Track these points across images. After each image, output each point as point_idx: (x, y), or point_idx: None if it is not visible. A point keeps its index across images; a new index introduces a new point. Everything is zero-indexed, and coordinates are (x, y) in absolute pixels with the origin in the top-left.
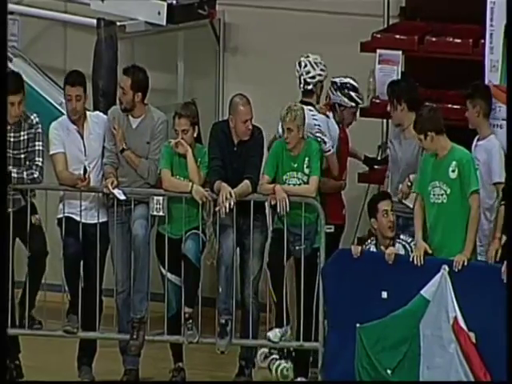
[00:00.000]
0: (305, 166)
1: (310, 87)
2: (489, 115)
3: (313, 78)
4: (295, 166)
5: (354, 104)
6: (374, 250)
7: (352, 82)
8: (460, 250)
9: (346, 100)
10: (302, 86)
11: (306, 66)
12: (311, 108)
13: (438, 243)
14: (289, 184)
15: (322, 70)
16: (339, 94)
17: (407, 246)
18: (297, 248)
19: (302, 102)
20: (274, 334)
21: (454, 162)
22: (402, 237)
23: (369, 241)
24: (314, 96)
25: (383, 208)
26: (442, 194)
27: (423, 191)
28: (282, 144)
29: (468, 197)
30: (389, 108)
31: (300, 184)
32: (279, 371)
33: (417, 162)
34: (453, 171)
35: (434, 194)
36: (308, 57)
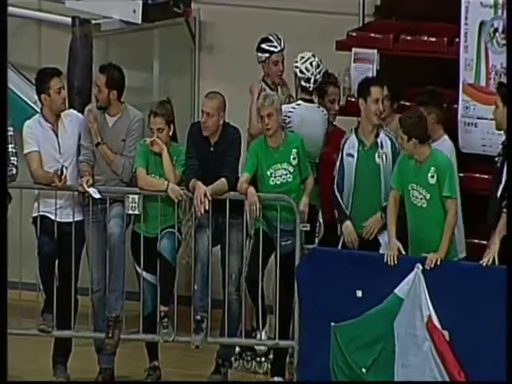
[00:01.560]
0: (291, 157)
1: (309, 87)
2: (442, 121)
3: (315, 81)
4: (277, 156)
5: (267, 54)
6: (355, 141)
7: (266, 35)
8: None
9: (259, 54)
10: (311, 85)
11: (318, 66)
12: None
13: (418, 243)
14: (275, 177)
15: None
16: (257, 55)
17: (393, 138)
18: (282, 244)
19: (306, 101)
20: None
21: (432, 168)
22: (386, 129)
23: (352, 130)
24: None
25: (376, 96)
26: (421, 198)
27: (402, 188)
28: (259, 140)
29: (445, 202)
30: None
31: (287, 174)
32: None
33: None
34: (432, 176)
35: (413, 196)
36: (315, 56)
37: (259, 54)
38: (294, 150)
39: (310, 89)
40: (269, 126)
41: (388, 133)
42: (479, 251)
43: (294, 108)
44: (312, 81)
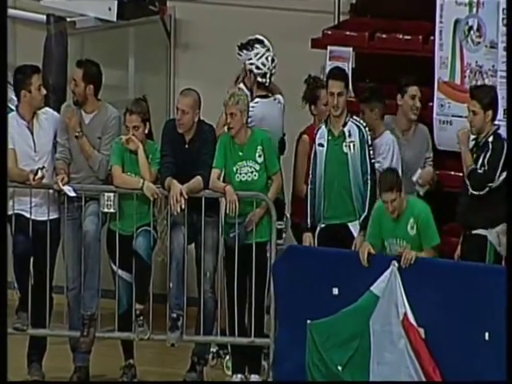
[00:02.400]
0: (256, 155)
1: (265, 82)
2: (383, 116)
3: (265, 74)
4: (242, 154)
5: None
6: (325, 130)
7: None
8: None
9: (244, 52)
10: (267, 80)
11: (273, 60)
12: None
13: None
14: (241, 174)
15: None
16: (241, 53)
17: (361, 126)
18: (230, 235)
19: (262, 97)
20: (237, 380)
21: (411, 219)
22: (355, 117)
23: (321, 124)
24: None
25: (331, 89)
26: (400, 247)
27: (376, 244)
28: (227, 136)
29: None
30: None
31: (252, 172)
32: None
33: None
34: (411, 228)
35: (391, 250)
36: (269, 51)
37: (244, 53)
38: (260, 147)
39: (266, 84)
40: (231, 125)
41: (357, 121)
42: (453, 248)
43: (253, 107)
44: (268, 76)
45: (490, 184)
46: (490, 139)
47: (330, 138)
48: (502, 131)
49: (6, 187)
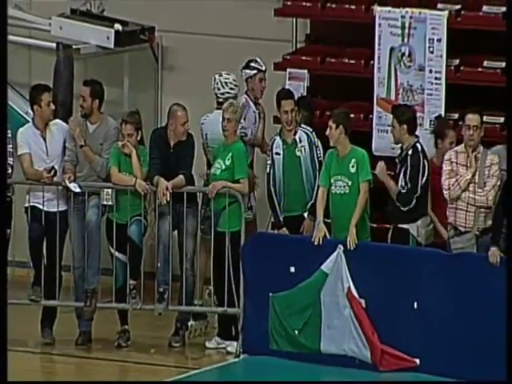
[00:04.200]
0: (226, 158)
1: (220, 100)
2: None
3: (222, 94)
4: (220, 153)
5: (255, 71)
6: (280, 141)
7: (249, 59)
8: (361, 231)
9: (247, 71)
10: (215, 98)
11: (217, 83)
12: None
13: (343, 225)
14: (213, 168)
15: (231, 88)
16: (244, 72)
17: (308, 132)
18: (202, 227)
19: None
20: (214, 342)
21: (353, 159)
22: (303, 125)
23: (275, 136)
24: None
25: (285, 108)
26: (344, 186)
27: (328, 183)
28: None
29: (361, 185)
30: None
31: (218, 169)
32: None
33: None
34: (352, 166)
35: (336, 186)
36: (221, 75)
37: (247, 71)
38: (230, 154)
39: (215, 100)
40: (226, 128)
41: (304, 128)
42: (380, 235)
43: (209, 115)
44: (214, 95)
45: (415, 195)
46: (410, 152)
47: (284, 146)
48: (388, 135)
49: (5, 187)
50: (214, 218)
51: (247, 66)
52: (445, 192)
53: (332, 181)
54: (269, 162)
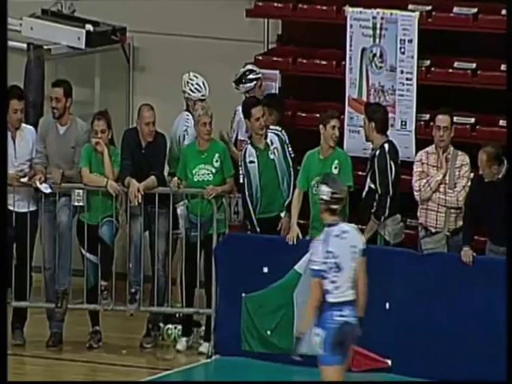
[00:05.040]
0: (214, 160)
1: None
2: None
3: (183, 92)
4: (203, 157)
5: (254, 82)
6: (252, 149)
7: (245, 68)
8: None
9: (247, 85)
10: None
11: (184, 85)
12: (188, 114)
13: (322, 227)
14: (198, 175)
15: (190, 90)
16: (242, 86)
17: (280, 133)
18: (192, 234)
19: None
20: (182, 344)
21: (336, 161)
22: (271, 127)
23: (244, 144)
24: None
25: (256, 116)
26: None
27: (307, 186)
28: (192, 144)
29: None
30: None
31: (208, 174)
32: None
33: None
34: (335, 168)
35: (317, 188)
36: (190, 77)
37: (247, 85)
38: (216, 155)
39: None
40: (208, 133)
41: (273, 129)
42: None
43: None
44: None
45: (389, 197)
46: (377, 153)
47: (258, 153)
48: (360, 136)
49: (5, 187)
50: (203, 223)
51: (245, 80)
52: (415, 193)
53: (313, 182)
54: (242, 172)
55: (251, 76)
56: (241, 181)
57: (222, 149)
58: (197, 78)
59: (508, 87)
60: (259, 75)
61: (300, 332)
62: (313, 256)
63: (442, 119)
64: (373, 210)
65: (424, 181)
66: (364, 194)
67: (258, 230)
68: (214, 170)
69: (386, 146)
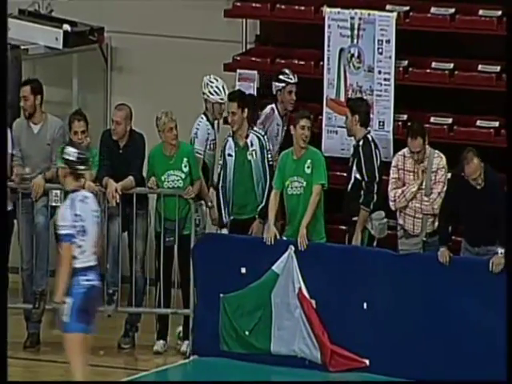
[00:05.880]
0: (183, 165)
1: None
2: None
3: (202, 94)
4: (171, 163)
5: (283, 84)
6: (232, 143)
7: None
8: (315, 232)
9: (276, 83)
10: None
11: (204, 87)
12: (202, 116)
13: (297, 226)
14: (168, 181)
15: (209, 92)
16: (273, 84)
17: (260, 136)
18: (167, 239)
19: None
20: (160, 345)
21: (309, 160)
22: (255, 128)
23: (228, 137)
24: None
25: (230, 110)
26: (300, 187)
27: (282, 186)
28: (159, 148)
29: (314, 187)
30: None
31: (178, 180)
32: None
33: None
34: (308, 167)
35: (292, 188)
36: (210, 79)
37: (276, 84)
38: (185, 160)
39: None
40: (173, 137)
41: (256, 132)
42: (337, 235)
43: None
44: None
45: (375, 183)
46: (361, 143)
47: (236, 149)
48: (338, 136)
49: (5, 187)
50: (177, 224)
51: (277, 79)
52: (391, 203)
53: (288, 182)
54: (220, 162)
55: (282, 77)
56: (218, 171)
57: (188, 152)
58: (217, 80)
59: (508, 88)
60: (291, 80)
61: (56, 302)
62: (61, 221)
63: (415, 144)
64: (361, 200)
65: (399, 191)
66: (350, 186)
67: (225, 221)
68: (183, 176)
69: (369, 136)
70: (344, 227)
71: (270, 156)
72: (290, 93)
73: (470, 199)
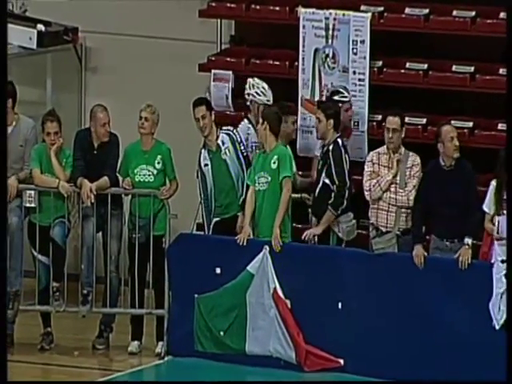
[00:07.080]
0: (156, 162)
1: (247, 103)
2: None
3: (247, 95)
4: (146, 157)
5: (339, 104)
6: (205, 152)
7: (336, 88)
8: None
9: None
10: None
11: (250, 88)
12: (244, 119)
13: (262, 223)
14: (140, 175)
15: (256, 92)
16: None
17: (231, 133)
18: (133, 236)
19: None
20: (134, 346)
21: (275, 156)
22: (224, 127)
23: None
24: (251, 112)
25: (196, 115)
26: (265, 182)
27: (253, 181)
28: (136, 144)
29: (281, 181)
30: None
31: (150, 175)
32: None
33: None
34: (274, 163)
35: (259, 183)
36: (256, 81)
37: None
38: (158, 157)
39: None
40: (144, 126)
41: (225, 130)
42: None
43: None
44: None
45: (346, 187)
46: (331, 147)
47: (211, 156)
48: (313, 136)
49: (5, 187)
50: (146, 224)
51: (331, 99)
52: (366, 193)
53: (256, 178)
54: (198, 178)
55: (336, 97)
56: (198, 186)
57: (165, 151)
58: (262, 82)
59: (508, 89)
60: (346, 99)
61: None
62: None
63: (392, 121)
64: (330, 202)
65: (374, 181)
66: (318, 189)
67: (216, 222)
68: (155, 172)
69: (339, 140)
70: (307, 226)
71: (242, 148)
72: (347, 110)
73: (440, 180)
